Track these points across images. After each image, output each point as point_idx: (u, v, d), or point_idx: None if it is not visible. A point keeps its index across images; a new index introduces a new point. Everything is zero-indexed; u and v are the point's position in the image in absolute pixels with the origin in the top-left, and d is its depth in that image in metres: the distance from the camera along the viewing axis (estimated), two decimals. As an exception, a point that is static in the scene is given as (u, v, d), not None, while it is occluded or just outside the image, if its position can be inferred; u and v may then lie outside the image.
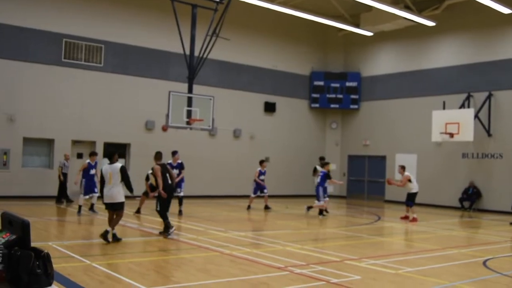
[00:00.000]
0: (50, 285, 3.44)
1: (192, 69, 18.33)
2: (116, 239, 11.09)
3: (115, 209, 11.25)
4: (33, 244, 3.87)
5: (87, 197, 16.48)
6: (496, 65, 22.75)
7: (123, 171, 11.12)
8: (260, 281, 7.86)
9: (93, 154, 16.96)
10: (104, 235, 10.88)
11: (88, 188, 16.41)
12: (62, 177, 19.21)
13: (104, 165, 11.44)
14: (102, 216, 15.67)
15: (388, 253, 11.26)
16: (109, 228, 10.99)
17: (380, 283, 8.07)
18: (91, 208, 16.49)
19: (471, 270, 9.55)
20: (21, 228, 3.36)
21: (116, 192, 11.06)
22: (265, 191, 19.93)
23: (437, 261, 10.28)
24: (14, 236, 3.29)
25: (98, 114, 21.79)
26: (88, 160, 16.77)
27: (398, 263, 9.79)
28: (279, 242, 11.93)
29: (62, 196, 19.49)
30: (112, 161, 11.23)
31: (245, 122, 25.99)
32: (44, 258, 3.48)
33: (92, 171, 16.56)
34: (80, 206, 16.30)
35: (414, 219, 17.67)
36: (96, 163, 16.78)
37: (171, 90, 17.81)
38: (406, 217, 18.15)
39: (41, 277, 3.35)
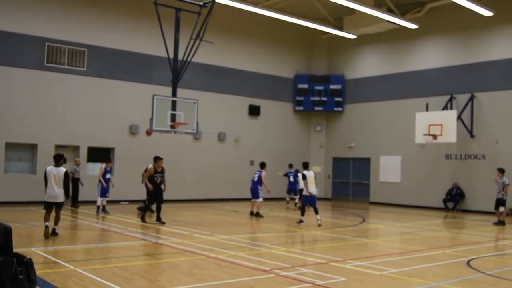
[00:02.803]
0: (32, 291, 3.41)
1: (176, 72, 18.28)
2: (55, 233, 12.19)
3: (57, 207, 12.26)
4: (16, 250, 3.84)
5: (101, 199, 18.10)
6: (478, 67, 23.00)
7: (67, 176, 12.23)
8: (245, 284, 7.86)
9: (108, 161, 19.01)
10: (47, 232, 11.96)
11: (104, 191, 18.14)
12: (74, 183, 19.93)
13: (49, 166, 12.27)
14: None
15: (372, 255, 11.31)
16: (48, 223, 12.03)
17: (365, 285, 8.10)
18: (103, 209, 18.09)
19: (455, 270, 9.63)
20: (3, 234, 3.33)
21: (60, 192, 12.12)
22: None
23: (421, 261, 10.35)
24: (-4, 242, 3.27)
25: (82, 118, 21.64)
26: (104, 166, 18.48)
27: (382, 264, 9.84)
28: (264, 245, 11.94)
29: (76, 200, 20.11)
30: (57, 164, 12.21)
31: (229, 126, 25.98)
32: (26, 264, 3.46)
33: (108, 176, 18.32)
34: (98, 207, 18.08)
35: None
36: (110, 168, 18.82)
37: (155, 94, 17.74)
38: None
39: (23, 283, 3.32)
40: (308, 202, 16.35)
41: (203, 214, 19.36)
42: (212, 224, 16.86)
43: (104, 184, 18.18)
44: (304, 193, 16.36)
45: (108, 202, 18.62)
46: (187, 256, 10.33)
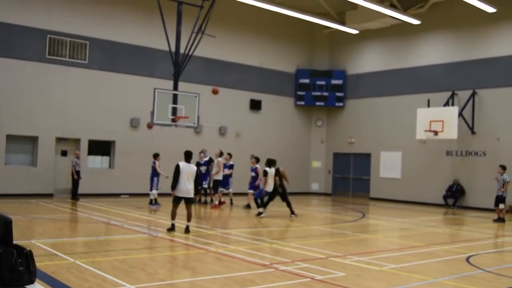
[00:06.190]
0: (32, 282, 3.41)
1: (178, 66, 18.27)
2: (188, 230, 12.45)
3: (188, 202, 12.72)
4: (16, 242, 3.84)
5: (155, 192, 18.55)
6: (480, 63, 22.95)
7: (197, 172, 12.83)
8: (245, 278, 7.86)
9: (157, 155, 18.94)
10: (172, 228, 12.60)
11: (157, 184, 18.62)
12: (76, 175, 20.06)
13: (182, 162, 12.73)
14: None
15: (372, 250, 11.32)
16: (174, 221, 12.68)
17: (365, 280, 8.11)
18: (156, 201, 18.58)
19: (454, 267, 9.64)
20: (4, 225, 3.33)
21: (191, 188, 12.62)
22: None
23: (421, 257, 10.36)
24: (-4, 234, 3.27)
25: (83, 111, 21.62)
26: (154, 160, 18.80)
27: (382, 259, 9.85)
28: (264, 240, 11.95)
29: (76, 193, 20.13)
30: (189, 161, 12.76)
31: (230, 120, 25.96)
32: (26, 256, 3.46)
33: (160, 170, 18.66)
34: (151, 200, 18.62)
35: (219, 204, 19.37)
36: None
37: (156, 87, 17.73)
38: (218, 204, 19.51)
39: (23, 274, 3.32)
40: (264, 195, 17.08)
41: (203, 208, 19.39)
42: (212, 218, 16.88)
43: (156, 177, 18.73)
44: (262, 187, 16.97)
45: (108, 195, 18.67)
46: (186, 250, 10.35)
